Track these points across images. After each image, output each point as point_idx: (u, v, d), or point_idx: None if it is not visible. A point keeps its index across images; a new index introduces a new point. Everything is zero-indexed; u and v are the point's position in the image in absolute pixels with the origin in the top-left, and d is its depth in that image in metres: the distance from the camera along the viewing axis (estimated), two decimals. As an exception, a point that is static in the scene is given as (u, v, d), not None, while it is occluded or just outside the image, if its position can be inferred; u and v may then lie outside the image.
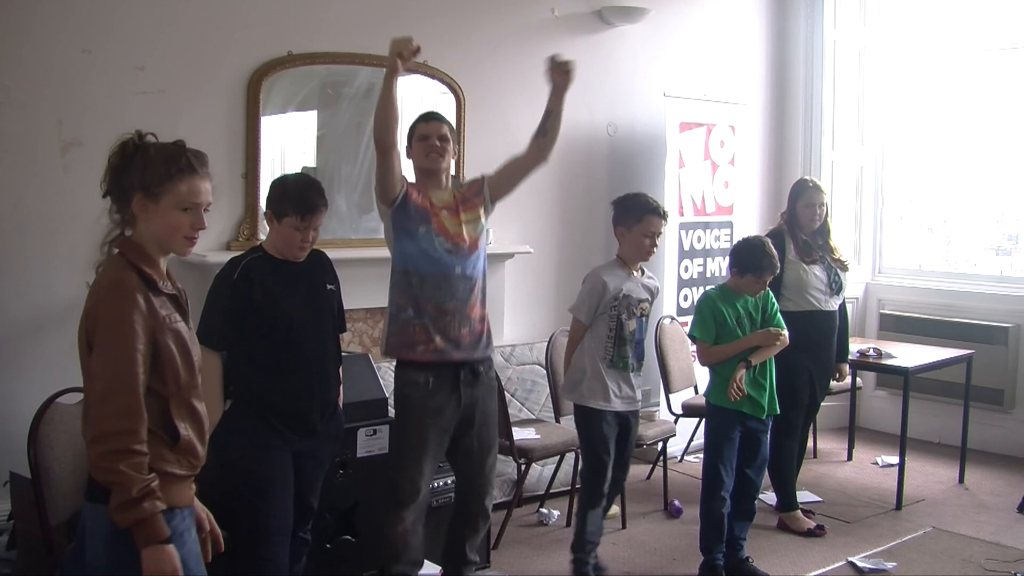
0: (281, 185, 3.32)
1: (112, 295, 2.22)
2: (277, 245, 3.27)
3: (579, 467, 4.42)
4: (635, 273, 4.02)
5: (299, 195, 3.21)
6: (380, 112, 3.37)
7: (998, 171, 6.63)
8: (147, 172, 2.26)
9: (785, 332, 4.17)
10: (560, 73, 3.53)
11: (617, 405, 3.94)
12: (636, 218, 3.95)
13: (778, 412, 4.26)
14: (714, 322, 4.13)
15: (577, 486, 4.54)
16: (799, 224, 4.85)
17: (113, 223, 2.31)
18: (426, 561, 3.92)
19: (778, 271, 4.21)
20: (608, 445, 3.95)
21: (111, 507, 2.16)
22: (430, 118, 3.64)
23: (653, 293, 4.09)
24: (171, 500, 2.27)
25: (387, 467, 3.65)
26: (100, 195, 2.31)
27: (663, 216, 3.99)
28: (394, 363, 3.63)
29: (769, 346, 4.14)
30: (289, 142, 4.97)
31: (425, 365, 3.48)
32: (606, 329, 3.93)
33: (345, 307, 3.56)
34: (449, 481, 4.01)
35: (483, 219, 3.63)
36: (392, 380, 3.65)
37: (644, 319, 4.01)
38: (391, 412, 3.81)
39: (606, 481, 3.97)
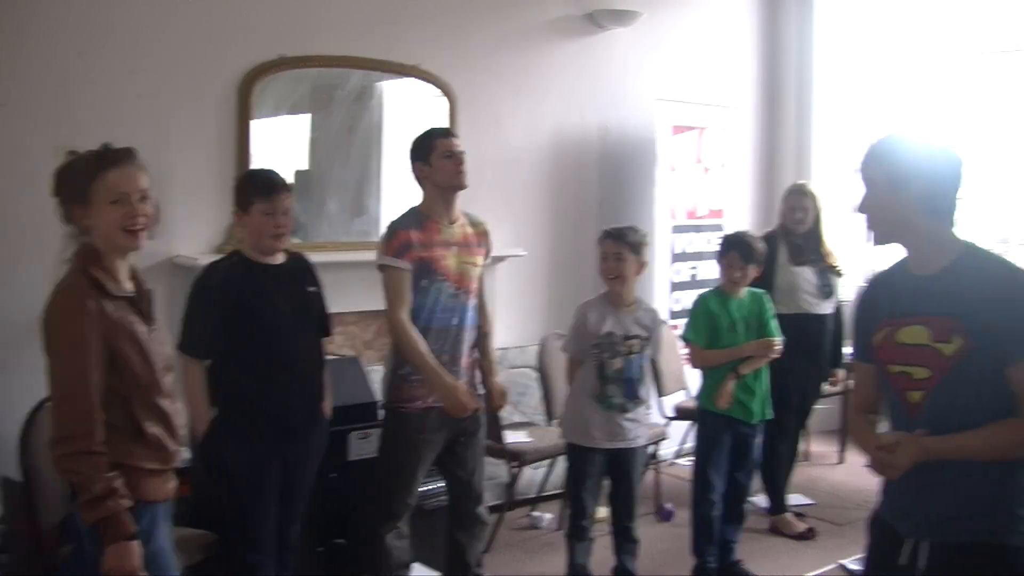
0: (240, 179, 3.41)
1: (63, 301, 2.25)
2: (253, 241, 3.24)
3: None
4: (625, 308, 3.85)
5: (260, 179, 3.26)
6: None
7: (991, 174, 6.64)
8: (73, 180, 2.31)
9: (779, 342, 4.17)
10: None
11: (601, 443, 3.82)
12: (600, 243, 3.89)
13: (768, 417, 4.26)
14: (706, 324, 4.13)
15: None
16: (784, 226, 4.89)
17: (70, 238, 2.37)
18: (418, 564, 3.92)
19: (756, 254, 4.14)
20: (586, 483, 3.86)
21: (78, 506, 2.20)
22: (449, 133, 3.66)
23: (649, 328, 3.88)
24: (145, 494, 2.30)
25: (378, 481, 3.62)
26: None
27: (614, 236, 3.81)
28: (383, 365, 3.68)
29: (761, 356, 4.14)
30: (281, 145, 4.96)
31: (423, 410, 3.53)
32: (593, 366, 3.83)
33: (337, 310, 3.55)
34: (440, 484, 3.99)
35: (479, 269, 3.66)
36: (380, 380, 3.71)
37: (634, 356, 3.82)
38: (380, 415, 3.80)
39: (585, 518, 3.88)
